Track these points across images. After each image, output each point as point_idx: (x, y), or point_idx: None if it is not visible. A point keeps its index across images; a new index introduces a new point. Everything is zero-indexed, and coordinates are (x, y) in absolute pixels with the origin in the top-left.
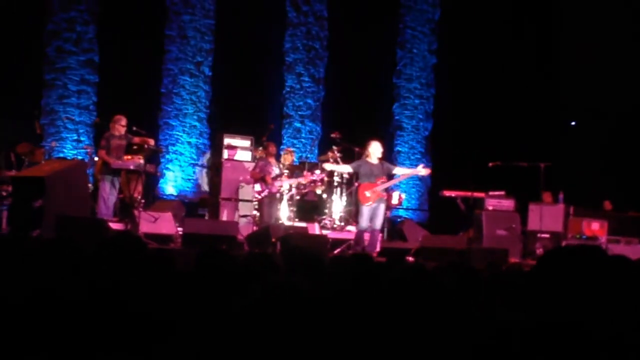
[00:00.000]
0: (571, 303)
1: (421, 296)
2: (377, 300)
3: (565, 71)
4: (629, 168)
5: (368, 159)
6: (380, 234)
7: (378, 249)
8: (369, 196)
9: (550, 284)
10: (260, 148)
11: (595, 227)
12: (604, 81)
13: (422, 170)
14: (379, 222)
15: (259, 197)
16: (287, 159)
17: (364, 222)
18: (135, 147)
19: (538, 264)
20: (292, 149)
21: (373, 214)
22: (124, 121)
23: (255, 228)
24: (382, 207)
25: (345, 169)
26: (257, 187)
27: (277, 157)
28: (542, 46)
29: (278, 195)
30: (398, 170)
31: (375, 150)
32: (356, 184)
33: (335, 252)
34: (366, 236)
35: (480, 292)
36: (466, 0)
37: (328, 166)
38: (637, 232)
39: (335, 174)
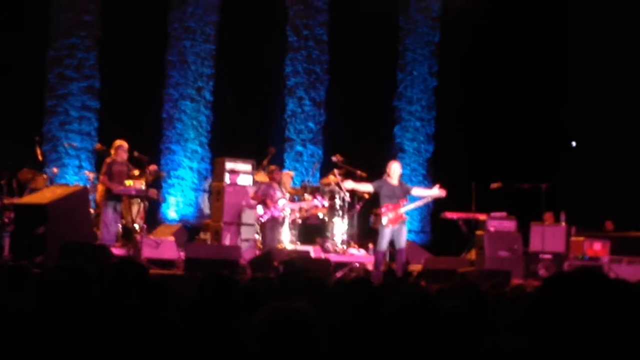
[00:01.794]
0: (572, 328)
1: (424, 322)
2: (380, 326)
3: (566, 92)
4: (631, 188)
5: (389, 180)
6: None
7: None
8: (392, 218)
9: (552, 310)
10: (262, 171)
11: (597, 248)
12: (605, 101)
13: (438, 192)
14: (403, 242)
15: (262, 220)
16: (285, 181)
17: (385, 244)
18: (136, 173)
19: (539, 290)
20: (289, 171)
21: (395, 235)
22: (125, 147)
23: (257, 252)
24: (404, 228)
25: (367, 187)
26: (260, 210)
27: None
28: (542, 67)
29: (280, 219)
30: (415, 192)
31: (395, 170)
32: (382, 208)
33: (338, 275)
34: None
35: (485, 314)
36: (466, 22)
37: (349, 184)
38: (639, 252)
39: (337, 197)
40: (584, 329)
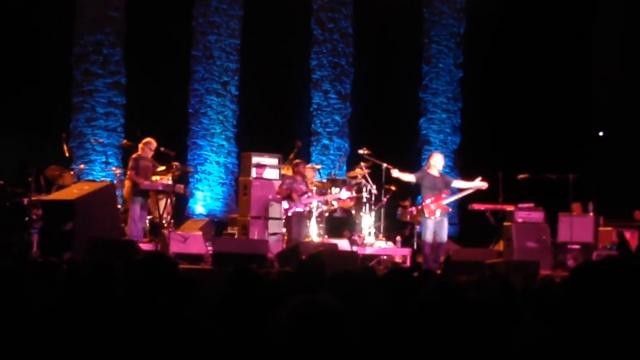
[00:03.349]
0: (602, 318)
1: (455, 313)
2: (409, 317)
3: (593, 80)
4: None
5: (430, 171)
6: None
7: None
8: (434, 209)
9: (581, 299)
10: (287, 165)
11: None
12: (634, 89)
13: (481, 184)
14: (444, 235)
15: (287, 215)
16: (309, 175)
17: (430, 235)
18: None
19: (568, 279)
20: (314, 165)
21: (437, 227)
22: (153, 145)
23: (285, 246)
24: (446, 220)
25: (409, 178)
26: (285, 204)
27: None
28: (570, 56)
29: (306, 212)
30: (457, 184)
31: (437, 162)
32: (425, 200)
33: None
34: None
35: (514, 305)
36: (491, 13)
37: (395, 173)
38: None
39: (364, 190)
40: (612, 318)
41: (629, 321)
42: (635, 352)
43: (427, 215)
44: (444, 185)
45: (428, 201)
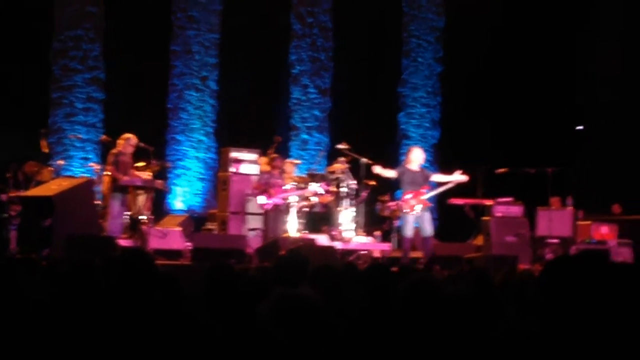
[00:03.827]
0: (577, 310)
1: (433, 308)
2: (391, 313)
3: (572, 75)
4: (638, 171)
5: (409, 166)
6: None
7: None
8: (414, 204)
9: (556, 292)
10: (265, 160)
11: (604, 231)
12: (612, 84)
13: (460, 177)
14: (429, 230)
15: (264, 210)
16: (288, 169)
17: (409, 230)
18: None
19: (543, 272)
20: (293, 160)
21: (420, 222)
22: (134, 141)
23: (264, 241)
24: (428, 215)
25: (391, 174)
26: (262, 199)
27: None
28: (550, 50)
29: (284, 207)
30: (436, 177)
31: (416, 157)
32: (405, 194)
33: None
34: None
35: (493, 299)
36: (471, 7)
37: (377, 169)
38: None
39: (343, 185)
40: (588, 311)
41: (603, 314)
42: (610, 345)
43: (407, 210)
44: (424, 180)
45: (408, 196)
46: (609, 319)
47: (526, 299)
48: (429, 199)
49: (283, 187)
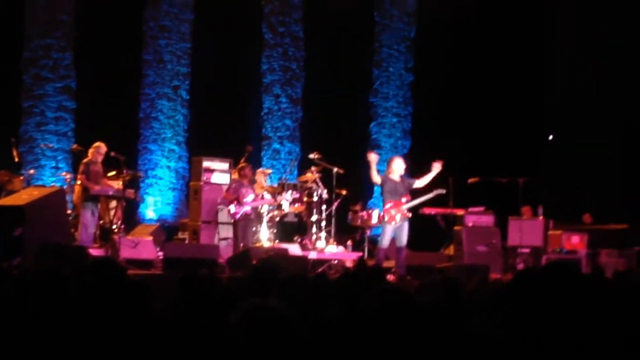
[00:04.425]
0: (545, 320)
1: (402, 317)
2: (360, 323)
3: (543, 85)
4: (608, 180)
5: (391, 176)
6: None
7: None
8: (394, 214)
9: (524, 302)
10: (236, 170)
11: (575, 241)
12: (582, 95)
13: (437, 166)
14: (404, 239)
15: (233, 219)
16: (260, 179)
17: (386, 241)
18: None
19: (511, 284)
20: (265, 169)
21: (397, 232)
22: (103, 149)
23: (233, 250)
24: (406, 225)
25: (376, 178)
26: (232, 209)
27: (253, 179)
28: (521, 60)
29: (253, 216)
30: (419, 182)
31: (397, 167)
32: (387, 204)
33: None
34: (382, 254)
35: (463, 309)
36: (442, 17)
37: (373, 157)
38: (617, 244)
39: (315, 194)
40: (555, 321)
41: (568, 325)
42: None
43: (387, 220)
44: (405, 190)
45: (388, 206)
46: (574, 330)
47: (496, 308)
48: (409, 210)
49: (252, 196)
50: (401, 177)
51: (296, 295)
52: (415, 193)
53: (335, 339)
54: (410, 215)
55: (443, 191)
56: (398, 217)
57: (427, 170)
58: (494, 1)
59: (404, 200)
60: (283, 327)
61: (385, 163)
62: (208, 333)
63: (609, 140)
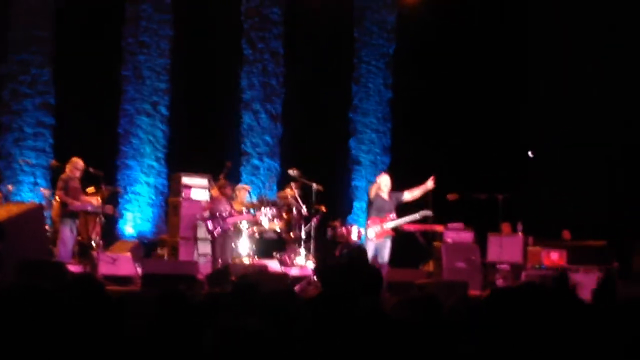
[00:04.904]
0: (517, 339)
1: (383, 335)
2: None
3: (522, 102)
4: (587, 197)
5: (381, 194)
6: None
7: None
8: (377, 232)
9: (495, 323)
10: (215, 187)
11: (554, 257)
12: (561, 112)
13: (430, 183)
14: (386, 257)
15: (212, 236)
16: (240, 195)
17: (369, 257)
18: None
19: (483, 304)
20: (245, 185)
21: (379, 249)
22: (80, 164)
23: (211, 266)
24: (388, 242)
25: (372, 193)
26: (210, 225)
27: (232, 196)
28: (498, 77)
29: (231, 233)
30: (408, 195)
31: (385, 183)
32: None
33: (296, 288)
34: None
35: (443, 325)
36: (421, 34)
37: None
38: (596, 261)
39: (294, 210)
40: (527, 340)
41: (541, 342)
42: None
43: (369, 237)
44: (391, 208)
45: (370, 223)
46: (547, 348)
47: (473, 325)
48: (393, 228)
49: (230, 213)
50: (389, 193)
51: (276, 311)
52: (401, 212)
53: (313, 357)
54: (393, 233)
55: (430, 213)
56: (381, 234)
57: (417, 184)
58: (473, 18)
59: (389, 218)
60: (259, 346)
61: (364, 179)
62: (185, 351)
63: (589, 157)
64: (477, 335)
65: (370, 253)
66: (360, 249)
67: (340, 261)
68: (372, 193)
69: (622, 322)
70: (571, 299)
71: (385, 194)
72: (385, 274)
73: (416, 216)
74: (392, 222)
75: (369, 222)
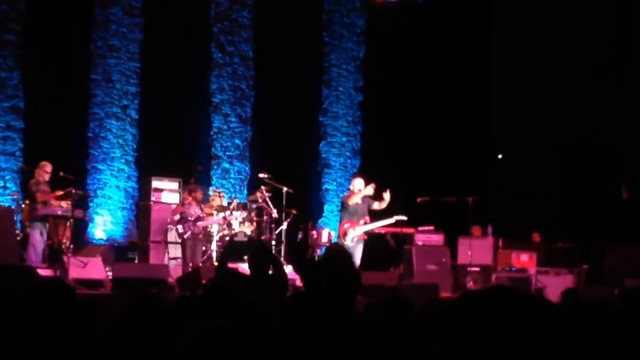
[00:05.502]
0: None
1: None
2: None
3: (491, 105)
4: (556, 199)
5: (354, 197)
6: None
7: None
8: (349, 235)
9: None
10: (186, 190)
11: (524, 259)
12: (531, 114)
13: (387, 195)
14: (358, 260)
15: (182, 239)
16: (216, 201)
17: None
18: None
19: (453, 307)
20: (220, 190)
21: (352, 251)
22: (49, 167)
23: (181, 270)
24: (360, 247)
25: (350, 199)
26: (180, 229)
27: (205, 200)
28: (466, 81)
29: (201, 236)
30: (376, 206)
31: (358, 186)
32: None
33: None
34: None
35: (413, 328)
36: (390, 37)
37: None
38: (566, 263)
39: (265, 214)
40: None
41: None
42: None
43: (341, 240)
44: (364, 212)
45: (345, 226)
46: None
47: (443, 328)
48: (365, 232)
49: (200, 216)
50: (363, 197)
51: (246, 314)
52: (374, 216)
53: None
54: (366, 237)
55: (404, 217)
56: (354, 238)
57: (387, 187)
58: (441, 21)
59: (361, 222)
60: (228, 349)
61: (335, 182)
62: (155, 354)
63: (559, 160)
64: (447, 337)
65: None
66: (338, 247)
67: (321, 260)
68: (351, 200)
69: (590, 325)
70: (540, 302)
71: (359, 198)
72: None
73: (390, 220)
74: (366, 225)
75: (342, 226)
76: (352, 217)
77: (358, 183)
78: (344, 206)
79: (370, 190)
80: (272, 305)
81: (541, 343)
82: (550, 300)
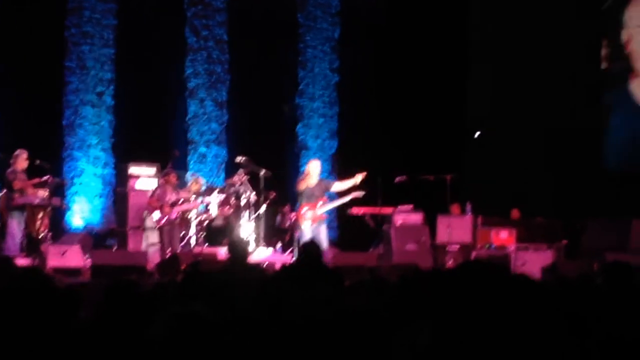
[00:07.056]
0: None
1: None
2: (286, 326)
3: (468, 82)
4: (535, 175)
5: (308, 179)
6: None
7: None
8: (309, 218)
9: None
10: (161, 175)
11: (503, 236)
12: (507, 90)
13: (359, 177)
14: (324, 242)
15: (159, 225)
16: (194, 186)
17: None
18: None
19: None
20: (198, 176)
21: (316, 235)
22: (25, 155)
23: (160, 256)
24: (323, 227)
25: (302, 186)
26: (156, 215)
27: (182, 185)
28: (443, 58)
29: (178, 221)
30: (336, 187)
31: (314, 170)
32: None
33: None
34: None
35: (394, 307)
36: (365, 17)
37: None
38: (546, 238)
39: (242, 197)
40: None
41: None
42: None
43: (301, 224)
44: (321, 193)
45: (303, 210)
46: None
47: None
48: (326, 212)
49: (176, 201)
50: (319, 180)
51: (225, 298)
52: (333, 195)
53: (263, 344)
54: (325, 217)
55: (361, 193)
56: (313, 219)
57: (352, 174)
58: (417, 1)
59: (320, 203)
60: (207, 332)
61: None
62: (133, 341)
63: (536, 135)
64: (428, 315)
65: (306, 239)
66: (313, 244)
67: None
68: (302, 186)
69: (569, 300)
70: (519, 277)
71: (313, 180)
72: (331, 258)
73: (347, 198)
74: (324, 206)
75: (301, 210)
76: (310, 199)
77: (313, 166)
78: (300, 193)
79: (359, 178)
80: (250, 289)
81: (521, 318)
82: (530, 275)
